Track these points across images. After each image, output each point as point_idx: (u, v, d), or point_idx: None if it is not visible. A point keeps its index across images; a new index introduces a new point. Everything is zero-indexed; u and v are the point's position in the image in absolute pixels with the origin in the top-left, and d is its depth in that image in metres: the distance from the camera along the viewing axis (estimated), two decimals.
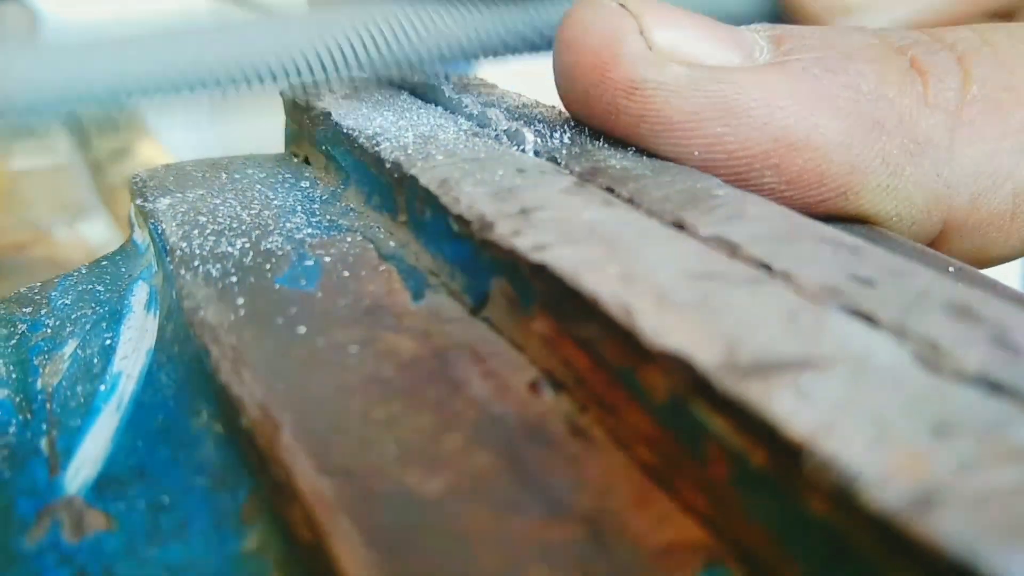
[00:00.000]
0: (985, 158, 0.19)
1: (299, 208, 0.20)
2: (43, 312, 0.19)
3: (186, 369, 0.16)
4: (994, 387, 0.10)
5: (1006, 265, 0.26)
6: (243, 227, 0.19)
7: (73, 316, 0.19)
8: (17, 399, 0.17)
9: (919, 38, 0.20)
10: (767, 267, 0.13)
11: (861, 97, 0.18)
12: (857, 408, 0.10)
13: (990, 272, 0.18)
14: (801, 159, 0.18)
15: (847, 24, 0.23)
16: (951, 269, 0.17)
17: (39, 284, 0.20)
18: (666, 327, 0.12)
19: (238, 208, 0.19)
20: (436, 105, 0.23)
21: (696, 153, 0.18)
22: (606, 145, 0.19)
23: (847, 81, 0.18)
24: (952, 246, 0.20)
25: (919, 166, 0.19)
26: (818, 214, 0.18)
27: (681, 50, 0.18)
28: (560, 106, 0.21)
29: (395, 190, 0.18)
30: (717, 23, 0.19)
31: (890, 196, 0.19)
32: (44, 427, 0.16)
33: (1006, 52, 0.20)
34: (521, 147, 0.19)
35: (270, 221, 0.19)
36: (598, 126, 0.20)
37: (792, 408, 0.10)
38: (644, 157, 0.19)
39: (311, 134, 0.22)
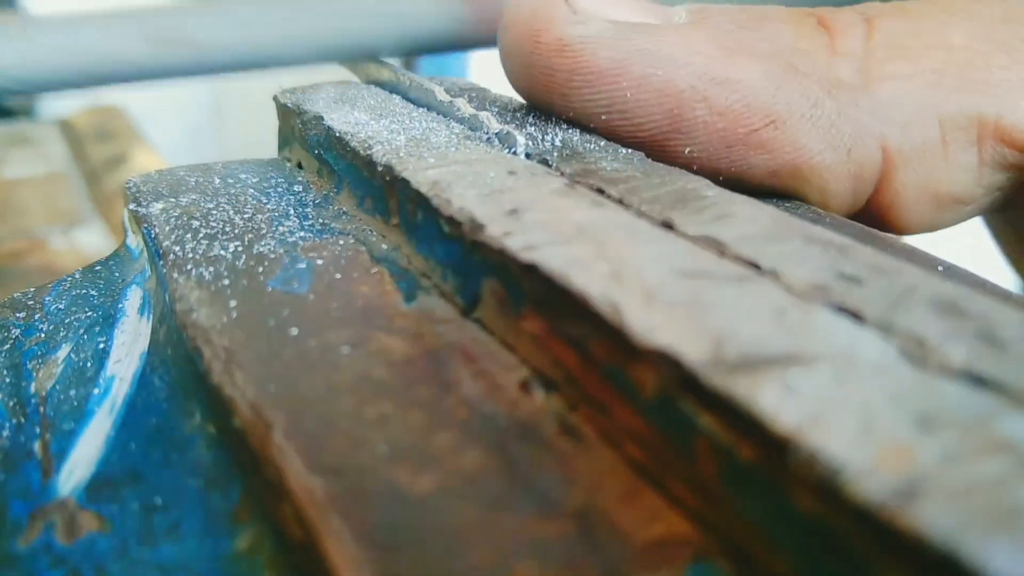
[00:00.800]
0: (901, 93, 0.20)
1: (292, 212, 0.20)
2: (37, 316, 0.19)
3: (179, 372, 0.16)
4: (978, 381, 0.11)
5: (997, 263, 0.26)
6: (236, 231, 0.19)
7: (67, 320, 0.19)
8: (11, 403, 0.17)
9: (827, 7, 0.21)
10: (755, 265, 0.14)
11: (775, 47, 0.20)
12: (843, 402, 0.10)
13: (982, 271, 0.18)
14: (726, 92, 0.19)
15: None
16: (940, 268, 0.17)
17: (33, 289, 0.20)
18: (655, 325, 0.12)
19: (231, 212, 0.20)
20: (428, 109, 0.23)
21: (629, 95, 0.20)
22: (596, 147, 0.19)
23: (762, 35, 0.20)
24: (902, 177, 0.21)
25: (837, 99, 0.20)
26: (757, 151, 0.20)
27: (602, 14, 0.20)
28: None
29: (387, 193, 0.18)
30: None
31: (816, 125, 0.20)
32: (37, 430, 0.16)
33: (914, 9, 0.21)
34: (512, 149, 0.19)
35: (263, 225, 0.19)
36: (541, 95, 0.21)
37: (779, 403, 0.10)
38: (635, 159, 0.19)
39: (303, 138, 0.22)
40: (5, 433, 0.16)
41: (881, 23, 0.21)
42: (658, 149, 0.20)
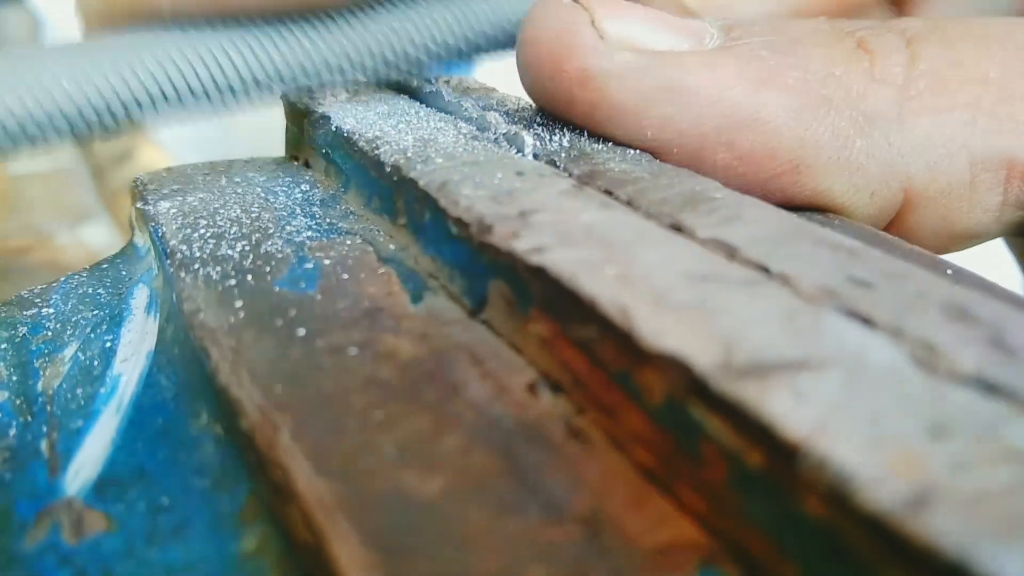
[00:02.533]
0: (936, 128, 0.19)
1: (299, 211, 0.20)
2: (44, 315, 0.19)
3: (186, 371, 0.16)
4: (990, 388, 0.11)
5: (1006, 268, 0.26)
6: (243, 230, 0.19)
7: (74, 319, 0.19)
8: (18, 401, 0.17)
9: (868, 23, 0.20)
10: (765, 269, 0.14)
11: (809, 76, 0.19)
12: (853, 408, 0.10)
13: (991, 275, 0.18)
14: (751, 135, 0.19)
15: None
16: (949, 272, 0.17)
17: (40, 287, 0.20)
18: (663, 328, 0.12)
19: (238, 211, 0.20)
20: (435, 109, 0.23)
21: (649, 135, 0.19)
22: (605, 148, 0.19)
23: (794, 62, 0.19)
24: (917, 217, 0.20)
25: (869, 137, 0.19)
26: (775, 193, 0.19)
27: (631, 38, 0.19)
28: None
29: (395, 193, 0.18)
30: (668, 14, 0.20)
31: (842, 168, 0.19)
32: (44, 429, 0.16)
33: (954, 34, 0.20)
34: (520, 150, 0.19)
35: (270, 224, 0.19)
36: (561, 116, 0.20)
37: (788, 408, 0.10)
38: (643, 160, 0.19)
39: (311, 138, 0.22)
40: (12, 432, 0.16)
41: (923, 50, 0.20)
42: None
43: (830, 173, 0.19)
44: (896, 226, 0.21)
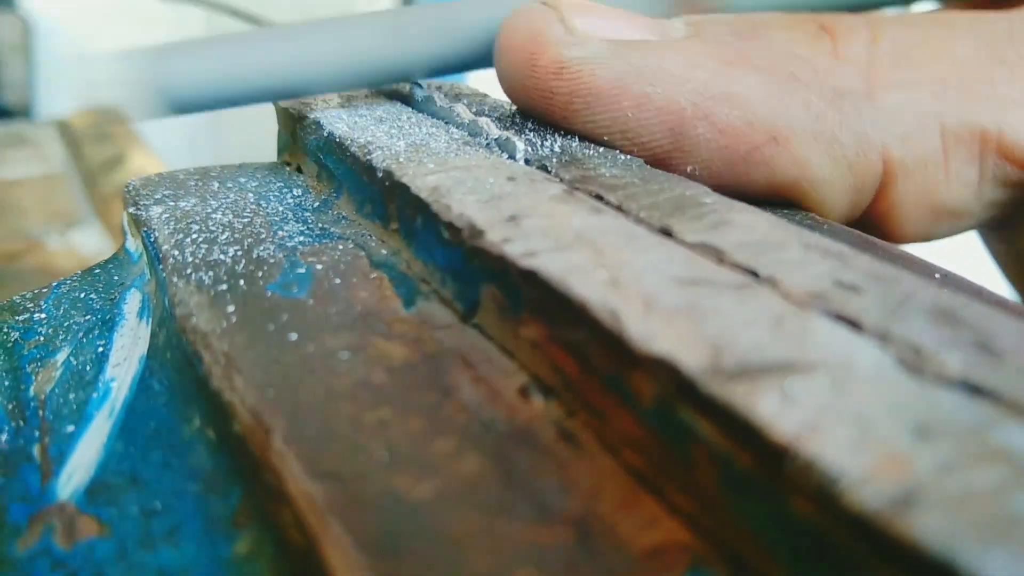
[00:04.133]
0: (906, 102, 0.20)
1: (291, 216, 0.20)
2: (36, 320, 0.19)
3: (178, 376, 0.16)
4: (975, 390, 0.11)
5: (995, 271, 0.26)
6: (235, 235, 0.19)
7: (66, 324, 0.19)
8: (10, 406, 0.17)
9: (830, 13, 0.21)
10: (753, 273, 0.14)
11: (773, 55, 0.20)
12: (840, 411, 0.10)
13: (980, 279, 0.18)
14: (727, 107, 0.19)
15: None
16: (937, 276, 0.17)
17: (32, 292, 0.20)
18: (653, 332, 0.12)
19: (230, 216, 0.20)
20: (427, 114, 0.23)
21: (630, 114, 0.19)
22: (596, 154, 0.19)
23: (758, 44, 0.20)
24: (899, 190, 0.21)
25: (840, 110, 0.20)
26: (759, 166, 0.20)
27: (600, 33, 0.20)
28: None
29: (387, 198, 0.18)
30: (634, 14, 0.21)
31: (818, 139, 0.20)
32: (36, 434, 0.16)
33: (915, 20, 0.21)
34: (512, 156, 0.20)
35: (262, 229, 0.19)
36: (542, 115, 0.21)
37: (776, 411, 0.10)
38: (633, 166, 0.19)
39: (303, 143, 0.22)
40: (4, 436, 0.16)
41: (885, 30, 0.20)
42: (661, 167, 0.20)
43: (806, 143, 0.20)
44: (880, 200, 0.21)
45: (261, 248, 0.18)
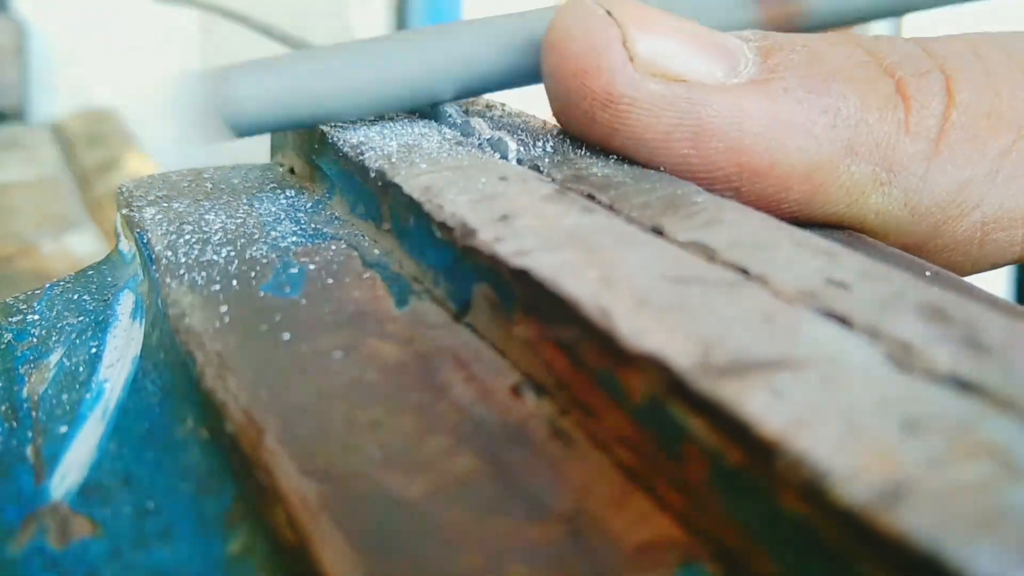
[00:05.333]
0: (957, 187, 0.19)
1: (284, 217, 0.20)
2: (29, 321, 0.19)
3: (171, 376, 0.16)
4: (964, 386, 0.11)
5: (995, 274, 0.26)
6: (228, 236, 0.19)
7: (59, 325, 0.19)
8: (3, 407, 0.17)
9: (911, 52, 0.19)
10: (744, 271, 0.14)
11: (839, 122, 0.18)
12: (829, 407, 0.10)
13: (970, 277, 0.18)
14: (762, 185, 0.18)
15: None
16: (928, 274, 0.18)
17: (25, 294, 0.20)
18: (644, 330, 0.12)
19: (223, 217, 0.20)
20: (419, 114, 0.23)
21: (663, 169, 0.19)
22: (587, 154, 0.20)
23: (827, 104, 0.18)
24: (926, 255, 0.20)
25: (887, 195, 0.19)
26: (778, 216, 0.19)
27: (663, 62, 0.18)
28: (542, 117, 0.21)
29: (379, 198, 0.18)
30: (706, 31, 0.19)
31: (846, 220, 0.19)
32: (30, 435, 0.16)
33: (995, 70, 0.19)
34: (504, 155, 0.20)
35: (255, 230, 0.19)
36: (576, 130, 0.20)
37: (766, 407, 0.10)
38: (625, 165, 0.19)
39: (296, 144, 0.22)
40: None
41: (960, 97, 0.19)
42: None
43: (833, 220, 0.19)
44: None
45: (254, 248, 0.18)
